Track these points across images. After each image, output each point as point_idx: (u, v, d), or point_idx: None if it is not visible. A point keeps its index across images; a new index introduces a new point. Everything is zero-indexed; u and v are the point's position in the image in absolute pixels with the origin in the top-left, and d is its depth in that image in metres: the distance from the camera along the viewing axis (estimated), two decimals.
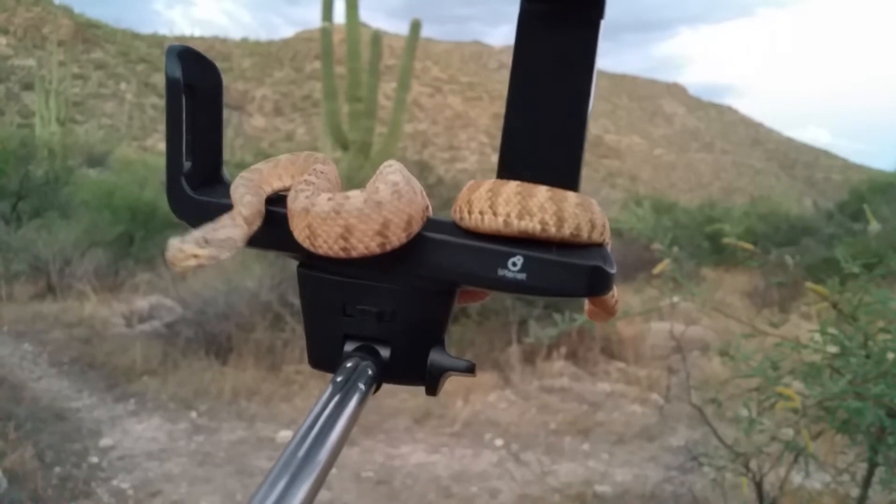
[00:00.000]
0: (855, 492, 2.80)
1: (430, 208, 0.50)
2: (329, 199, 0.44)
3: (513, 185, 0.47)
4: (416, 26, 10.78)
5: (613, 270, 0.46)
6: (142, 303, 7.29)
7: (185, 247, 0.43)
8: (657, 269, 2.86)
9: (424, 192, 0.49)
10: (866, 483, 2.68)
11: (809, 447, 2.43)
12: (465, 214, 0.49)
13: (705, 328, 6.07)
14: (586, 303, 0.59)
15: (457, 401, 5.11)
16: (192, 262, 0.43)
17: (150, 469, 4.11)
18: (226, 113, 0.54)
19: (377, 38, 10.80)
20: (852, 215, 10.27)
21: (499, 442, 4.60)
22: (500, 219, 0.46)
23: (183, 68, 0.47)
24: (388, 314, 0.48)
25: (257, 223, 0.47)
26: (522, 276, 0.45)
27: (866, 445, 2.50)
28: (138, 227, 9.96)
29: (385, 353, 0.50)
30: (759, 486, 2.93)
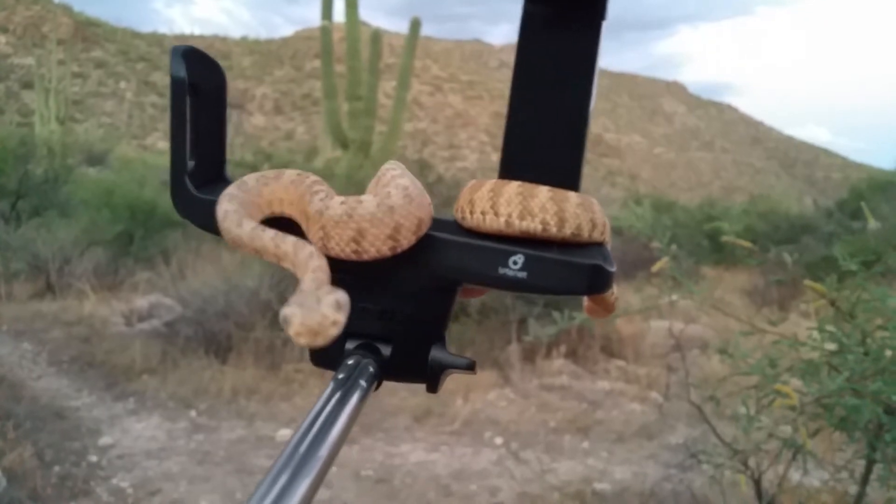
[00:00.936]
0: (853, 489, 2.81)
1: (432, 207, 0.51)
2: (342, 202, 0.45)
3: (514, 186, 0.47)
4: (415, 25, 10.78)
5: (613, 269, 0.47)
6: (141, 302, 7.29)
7: (329, 312, 0.40)
8: (656, 267, 2.86)
9: (426, 193, 0.49)
10: (864, 480, 2.69)
11: (807, 444, 2.43)
12: (468, 214, 0.50)
13: (705, 327, 6.08)
14: (585, 300, 0.60)
15: (456, 399, 5.12)
16: (335, 331, 0.40)
17: (150, 468, 4.12)
18: (226, 116, 0.54)
19: (377, 36, 10.80)
20: (852, 214, 10.26)
21: (498, 440, 4.61)
22: (502, 219, 0.47)
23: (187, 68, 0.47)
24: (390, 312, 0.49)
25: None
26: (523, 274, 0.46)
27: (864, 443, 2.51)
28: (138, 226, 9.95)
29: (386, 350, 0.51)
30: (757, 483, 2.94)
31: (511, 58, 0.49)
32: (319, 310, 0.39)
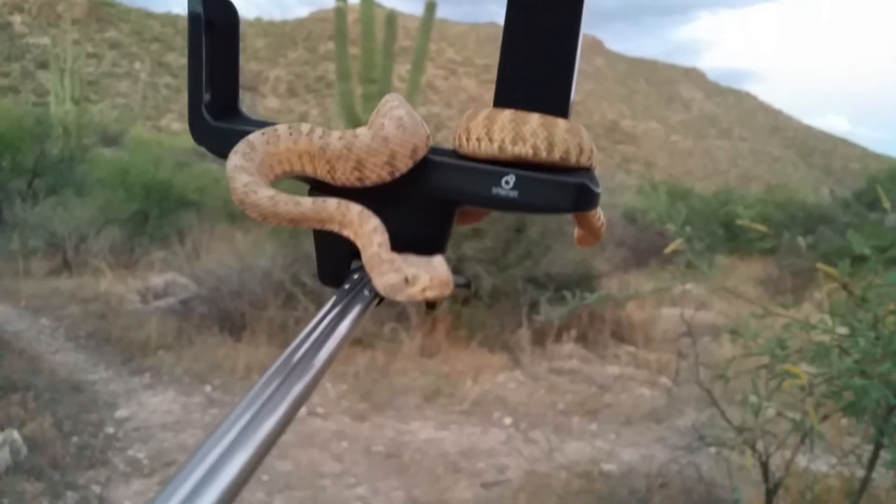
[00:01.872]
0: (860, 474, 2.82)
1: (431, 138, 0.54)
2: (340, 137, 0.49)
3: (507, 113, 0.50)
4: (431, 7, 10.70)
5: (599, 189, 0.50)
6: (157, 280, 7.37)
7: (446, 269, 0.47)
8: (670, 248, 2.88)
9: (425, 123, 0.53)
10: (871, 464, 2.70)
11: (815, 424, 2.45)
12: (464, 141, 0.53)
13: (717, 313, 6.08)
14: (576, 230, 0.63)
15: (466, 380, 5.17)
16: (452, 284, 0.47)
17: (165, 440, 4.20)
18: (239, 52, 0.57)
19: (392, 18, 10.75)
20: (869, 204, 10.12)
21: (507, 420, 4.65)
22: (496, 144, 0.50)
23: (204, 5, 0.51)
24: (393, 232, 0.51)
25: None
26: (514, 193, 0.49)
27: (872, 426, 2.52)
28: (153, 205, 10.02)
29: None
30: (764, 466, 2.96)
31: None
32: (440, 268, 0.46)
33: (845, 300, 2.52)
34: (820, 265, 2.53)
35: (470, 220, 0.59)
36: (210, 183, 10.68)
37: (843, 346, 2.49)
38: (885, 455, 2.59)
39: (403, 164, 0.49)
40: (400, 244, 0.50)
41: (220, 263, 6.63)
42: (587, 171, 0.51)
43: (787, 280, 7.50)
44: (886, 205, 2.71)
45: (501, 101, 0.52)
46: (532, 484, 3.75)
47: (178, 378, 5.15)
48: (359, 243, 0.49)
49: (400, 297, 0.46)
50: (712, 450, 3.43)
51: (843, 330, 2.51)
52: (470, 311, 5.85)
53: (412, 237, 0.52)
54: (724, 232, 10.29)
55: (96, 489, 3.55)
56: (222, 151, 0.52)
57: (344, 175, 0.49)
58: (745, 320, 2.73)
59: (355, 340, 5.63)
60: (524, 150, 0.49)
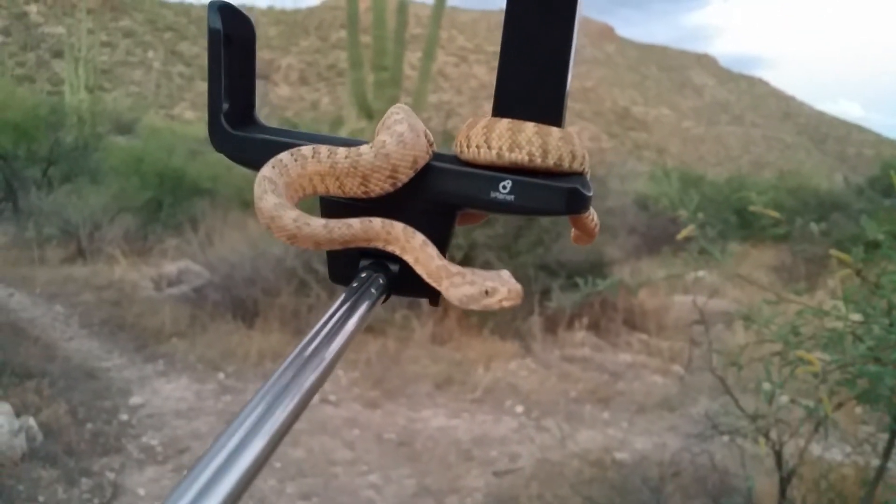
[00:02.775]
0: (875, 462, 2.80)
1: (434, 145, 0.57)
2: (346, 156, 0.52)
3: (505, 122, 0.54)
4: None
5: (590, 193, 0.53)
6: (170, 267, 7.42)
7: (514, 281, 0.52)
8: (682, 235, 2.86)
9: (427, 131, 0.56)
10: (886, 453, 2.67)
11: (829, 412, 2.42)
12: (465, 148, 0.56)
13: (730, 301, 6.03)
14: (572, 230, 0.66)
15: (478, 368, 5.17)
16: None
17: (179, 427, 4.24)
18: (256, 64, 0.59)
19: (403, 6, 10.69)
20: (883, 191, 10.03)
21: (519, 408, 4.66)
22: (494, 151, 0.53)
23: (222, 20, 0.54)
24: None
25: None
26: (511, 197, 0.52)
27: (888, 414, 2.50)
28: (166, 193, 10.07)
29: (394, 268, 0.57)
30: (778, 455, 2.94)
31: None
32: (511, 280, 0.51)
33: (859, 287, 2.49)
34: (833, 251, 2.50)
35: (470, 222, 0.62)
36: (223, 171, 10.71)
37: (857, 333, 2.46)
38: None
39: (405, 175, 0.53)
40: None
41: (232, 251, 6.66)
42: (580, 175, 0.55)
43: (801, 267, 7.44)
44: None
45: (499, 111, 0.55)
46: (544, 472, 3.76)
47: (192, 365, 5.19)
48: (409, 258, 0.53)
49: (474, 307, 0.51)
50: (725, 438, 3.41)
51: (856, 317, 2.48)
52: None
53: None
54: (736, 219, 10.22)
55: (110, 476, 3.59)
56: (240, 158, 0.57)
57: (352, 189, 0.53)
58: (757, 307, 2.71)
59: (367, 328, 5.63)
60: (520, 156, 0.53)
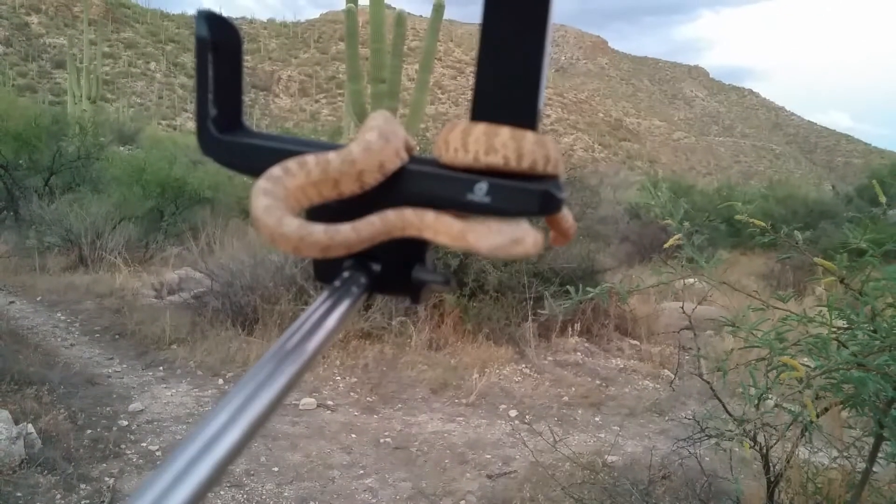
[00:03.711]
0: (861, 466, 2.84)
1: (409, 149, 0.59)
2: (316, 163, 0.54)
3: (481, 127, 0.55)
4: (439, 8, 10.75)
5: (563, 195, 0.55)
6: (171, 275, 7.47)
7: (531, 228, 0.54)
8: (668, 243, 2.91)
9: (402, 136, 0.58)
10: (872, 457, 2.71)
11: (813, 416, 2.47)
12: (443, 151, 0.58)
13: (720, 308, 6.09)
14: (551, 233, 0.68)
15: (472, 373, 5.23)
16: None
17: (178, 432, 4.26)
18: (252, 94, 0.64)
19: (401, 19, 10.81)
20: (871, 199, 10.11)
21: (513, 413, 4.71)
22: (471, 154, 0.55)
23: (209, 29, 0.56)
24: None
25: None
26: (487, 199, 0.54)
27: (872, 419, 2.54)
28: (168, 202, 10.13)
29: (377, 267, 0.58)
30: (765, 458, 2.98)
31: None
32: (531, 229, 0.53)
33: (843, 294, 2.54)
34: (817, 259, 2.56)
35: None
36: (223, 181, 10.79)
37: (841, 340, 2.51)
38: (885, 448, 2.60)
39: (372, 179, 0.55)
40: (384, 246, 0.55)
41: (232, 258, 6.71)
42: (554, 178, 0.56)
43: (790, 274, 7.52)
44: (882, 199, 2.74)
45: (477, 116, 0.56)
46: (536, 475, 3.80)
47: (192, 371, 5.24)
48: (428, 233, 0.54)
49: (501, 255, 0.51)
50: (714, 442, 3.46)
51: (841, 323, 2.53)
52: (477, 305, 5.91)
53: (397, 241, 0.56)
54: (726, 227, 10.29)
55: (109, 481, 3.59)
56: (227, 161, 0.57)
57: (329, 195, 0.54)
58: (742, 313, 2.76)
59: (364, 334, 5.69)
60: (496, 159, 0.54)
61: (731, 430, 3.08)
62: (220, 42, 0.56)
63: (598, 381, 5.27)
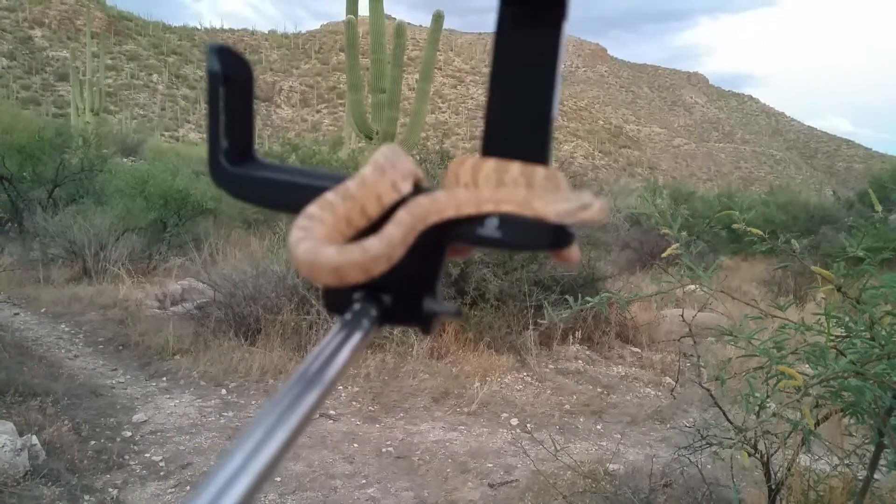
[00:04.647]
0: (863, 473, 2.84)
1: (421, 178, 0.59)
2: (329, 197, 0.54)
3: (492, 162, 0.57)
4: (438, 18, 10.85)
5: (573, 230, 0.55)
6: (174, 286, 7.50)
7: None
8: (666, 253, 2.93)
9: (405, 168, 0.58)
10: (873, 465, 2.72)
11: (811, 424, 2.48)
12: (453, 185, 0.59)
13: (721, 315, 6.12)
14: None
15: (474, 381, 5.24)
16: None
17: (181, 443, 4.27)
18: (254, 104, 0.66)
19: (401, 29, 10.89)
20: (872, 205, 10.06)
21: (514, 421, 4.73)
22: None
23: (220, 62, 0.56)
24: (391, 266, 0.54)
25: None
26: (498, 233, 0.54)
27: (871, 427, 2.55)
28: (171, 213, 10.17)
29: (387, 299, 0.57)
30: (766, 466, 2.99)
31: None
32: (595, 197, 0.52)
33: (841, 302, 2.55)
34: (814, 267, 2.57)
35: (458, 255, 0.63)
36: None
37: (839, 348, 2.52)
38: (887, 455, 2.61)
39: (373, 211, 0.55)
40: (394, 278, 0.55)
41: (235, 269, 6.74)
42: None
43: (791, 280, 7.53)
44: (878, 208, 2.76)
45: (487, 151, 0.58)
46: (538, 484, 3.81)
47: (195, 381, 5.26)
48: (490, 207, 0.53)
49: (569, 220, 0.51)
50: (715, 449, 3.47)
51: (840, 331, 2.54)
52: (478, 314, 5.93)
53: (407, 273, 0.56)
54: (727, 233, 10.30)
55: (113, 492, 3.60)
56: (238, 194, 0.58)
57: (347, 233, 0.54)
58: (740, 321, 2.78)
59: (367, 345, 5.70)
60: None
61: (730, 439, 3.09)
62: (231, 75, 0.57)
63: (599, 389, 5.29)
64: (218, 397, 5.00)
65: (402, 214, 0.53)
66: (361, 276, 0.48)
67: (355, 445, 4.32)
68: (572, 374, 5.56)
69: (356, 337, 0.51)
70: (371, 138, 10.75)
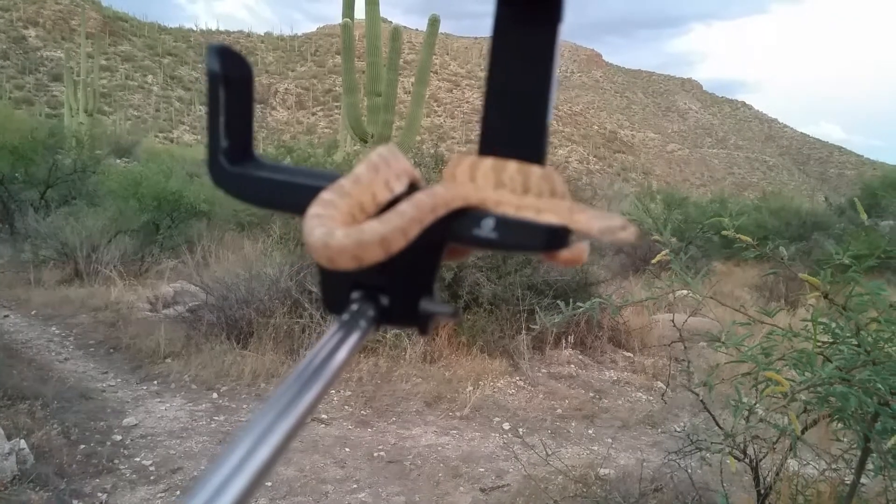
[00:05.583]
0: (850, 478, 2.86)
1: (417, 177, 0.59)
2: (319, 199, 0.55)
3: (489, 161, 0.57)
4: (434, 22, 10.87)
5: (569, 231, 0.55)
6: (166, 288, 7.48)
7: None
8: (656, 259, 2.95)
9: (400, 167, 0.58)
10: (859, 470, 2.74)
11: (797, 430, 2.50)
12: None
13: (713, 320, 6.13)
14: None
15: (466, 386, 5.25)
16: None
17: (172, 447, 4.26)
18: (254, 104, 0.66)
19: (397, 33, 10.92)
20: (864, 211, 10.14)
21: (506, 425, 4.73)
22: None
23: (220, 63, 0.57)
24: (388, 268, 0.55)
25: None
26: (494, 234, 0.54)
27: (859, 433, 2.57)
28: (164, 215, 10.14)
29: (384, 299, 0.57)
30: (755, 471, 3.01)
31: None
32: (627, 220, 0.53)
33: (827, 308, 2.57)
34: (802, 275, 2.59)
35: (454, 257, 0.63)
36: (220, 194, 10.77)
37: (826, 354, 2.54)
38: (872, 461, 2.63)
39: (370, 208, 0.55)
40: (392, 278, 0.56)
41: (228, 272, 6.72)
42: None
43: (782, 286, 7.57)
44: (863, 216, 2.78)
45: (484, 150, 0.58)
46: (529, 488, 3.81)
47: (186, 385, 5.24)
48: (530, 214, 0.53)
49: (608, 238, 0.51)
50: (705, 454, 3.49)
51: (826, 337, 2.56)
52: (471, 318, 5.94)
53: (404, 273, 0.57)
54: (719, 239, 10.33)
55: (102, 497, 3.58)
56: (237, 193, 0.59)
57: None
58: (728, 327, 2.80)
59: (360, 348, 5.70)
60: None
61: (719, 444, 3.11)
62: (231, 75, 0.57)
63: (591, 394, 5.30)
64: (209, 401, 4.98)
65: (418, 195, 0.53)
66: (381, 254, 0.48)
67: (347, 450, 4.31)
68: (565, 378, 5.57)
69: (354, 337, 0.51)
70: (366, 141, 10.77)
